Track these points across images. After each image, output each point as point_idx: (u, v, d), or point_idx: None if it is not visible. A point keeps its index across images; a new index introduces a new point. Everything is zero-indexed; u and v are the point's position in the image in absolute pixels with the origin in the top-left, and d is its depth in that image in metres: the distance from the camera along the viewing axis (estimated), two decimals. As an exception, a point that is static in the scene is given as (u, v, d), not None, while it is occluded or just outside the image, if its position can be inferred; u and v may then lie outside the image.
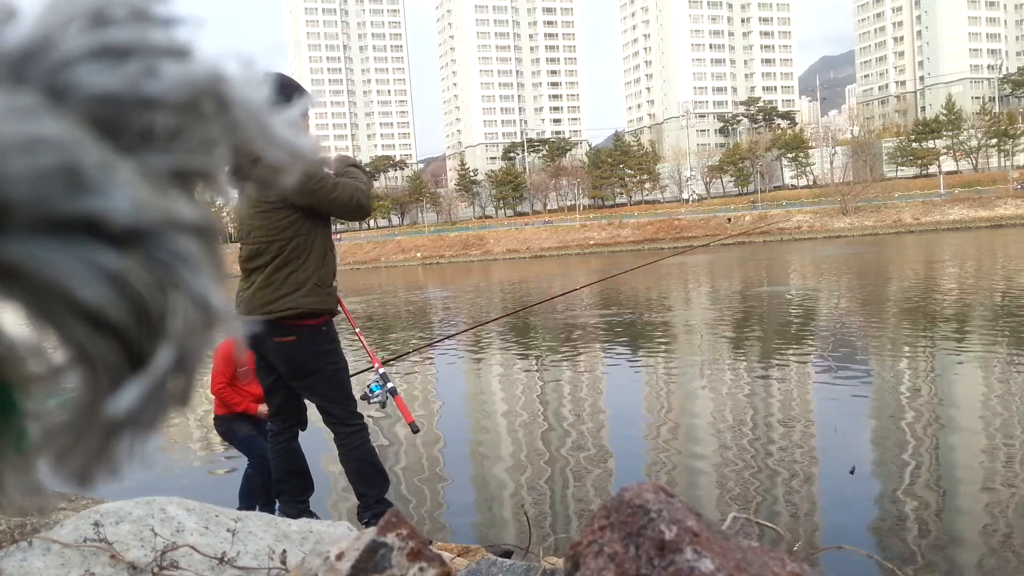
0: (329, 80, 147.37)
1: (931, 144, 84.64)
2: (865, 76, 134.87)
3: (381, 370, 3.94)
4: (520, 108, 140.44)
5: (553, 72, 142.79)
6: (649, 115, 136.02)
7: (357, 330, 4.05)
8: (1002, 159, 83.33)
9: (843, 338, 12.02)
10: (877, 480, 5.23)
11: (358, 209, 3.29)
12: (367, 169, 3.53)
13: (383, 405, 3.97)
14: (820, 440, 6.36)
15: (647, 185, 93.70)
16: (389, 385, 3.91)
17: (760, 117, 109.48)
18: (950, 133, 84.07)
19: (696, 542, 1.01)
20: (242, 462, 4.52)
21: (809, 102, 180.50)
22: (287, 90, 2.91)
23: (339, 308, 3.55)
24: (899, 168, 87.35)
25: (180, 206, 0.28)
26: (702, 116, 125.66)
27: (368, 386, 3.95)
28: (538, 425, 7.33)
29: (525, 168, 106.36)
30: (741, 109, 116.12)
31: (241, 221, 3.31)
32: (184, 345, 0.28)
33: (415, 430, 3.95)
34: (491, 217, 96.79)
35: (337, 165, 3.41)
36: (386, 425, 7.08)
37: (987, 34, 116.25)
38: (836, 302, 17.82)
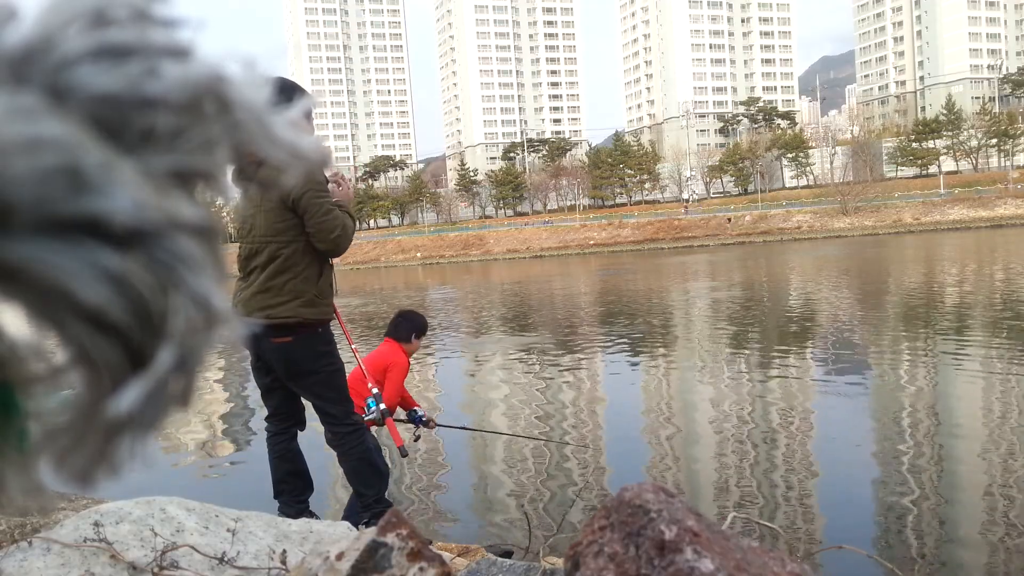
0: (329, 80, 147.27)
1: (931, 144, 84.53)
2: (865, 76, 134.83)
3: (375, 390, 3.99)
4: (520, 108, 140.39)
5: (553, 72, 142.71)
6: (649, 115, 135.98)
7: (353, 347, 3.99)
8: (1002, 159, 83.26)
9: (843, 339, 12.02)
10: (877, 480, 5.23)
11: (334, 244, 3.21)
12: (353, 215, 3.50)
13: (378, 424, 4.03)
14: (820, 440, 6.36)
15: (647, 185, 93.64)
16: (383, 406, 3.98)
17: (760, 117, 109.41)
18: (950, 133, 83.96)
19: (696, 542, 1.01)
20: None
21: (809, 102, 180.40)
22: (288, 92, 2.91)
23: (336, 318, 3.57)
24: (899, 168, 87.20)
25: (181, 207, 0.28)
26: (702, 116, 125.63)
27: (364, 402, 3.99)
28: (538, 424, 7.33)
29: (525, 168, 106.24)
30: (741, 109, 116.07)
31: (243, 220, 3.32)
32: (185, 345, 0.28)
33: (403, 454, 4.03)
34: (491, 217, 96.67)
35: (340, 194, 3.35)
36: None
37: (987, 34, 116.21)
38: (836, 302, 17.82)
